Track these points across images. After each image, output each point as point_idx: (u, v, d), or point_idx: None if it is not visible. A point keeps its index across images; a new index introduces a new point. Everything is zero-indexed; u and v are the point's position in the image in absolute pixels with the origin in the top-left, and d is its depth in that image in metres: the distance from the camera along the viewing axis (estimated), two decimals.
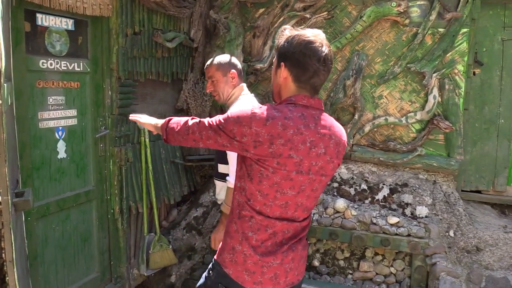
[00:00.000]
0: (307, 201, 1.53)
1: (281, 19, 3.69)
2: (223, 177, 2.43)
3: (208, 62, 2.46)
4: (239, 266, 1.53)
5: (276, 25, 3.71)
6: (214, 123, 1.50)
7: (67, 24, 2.72)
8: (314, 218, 3.36)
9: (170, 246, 3.40)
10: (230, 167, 2.30)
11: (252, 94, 2.46)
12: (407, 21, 3.47)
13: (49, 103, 2.66)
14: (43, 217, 2.69)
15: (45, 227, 2.74)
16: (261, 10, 3.79)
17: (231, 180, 2.24)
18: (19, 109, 2.43)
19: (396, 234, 3.19)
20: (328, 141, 1.49)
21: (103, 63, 2.99)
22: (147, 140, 3.26)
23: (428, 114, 3.49)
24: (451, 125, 3.44)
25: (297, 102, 1.48)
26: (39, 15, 2.52)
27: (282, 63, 1.50)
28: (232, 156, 2.27)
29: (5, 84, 1.78)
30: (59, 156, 2.78)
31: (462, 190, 3.70)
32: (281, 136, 1.40)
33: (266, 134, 1.40)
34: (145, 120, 1.89)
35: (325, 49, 1.46)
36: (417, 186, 3.46)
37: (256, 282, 1.53)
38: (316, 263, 3.45)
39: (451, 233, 3.21)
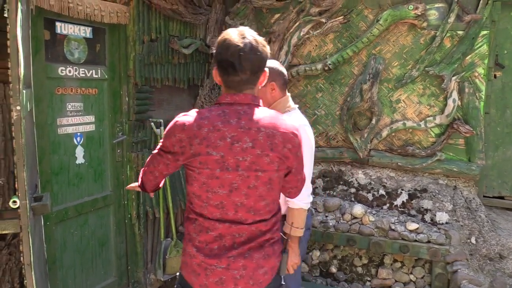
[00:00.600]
0: (249, 201, 1.50)
1: (297, 24, 3.68)
2: None
3: None
4: (188, 267, 1.55)
5: (291, 30, 3.70)
6: (157, 148, 1.57)
7: (86, 32, 2.77)
8: (331, 224, 3.32)
9: None
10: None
11: (297, 106, 2.25)
12: (424, 24, 3.42)
13: (67, 109, 2.71)
14: (62, 222, 2.73)
15: (64, 232, 2.78)
16: (277, 16, 3.79)
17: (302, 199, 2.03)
18: (38, 116, 2.48)
19: (416, 241, 3.12)
20: (256, 134, 1.47)
21: (120, 69, 3.03)
22: None
23: (448, 118, 3.42)
24: (471, 129, 3.37)
25: (220, 101, 1.53)
26: (58, 24, 2.58)
27: (214, 68, 1.56)
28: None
29: (24, 91, 1.82)
30: (77, 162, 2.83)
31: (484, 196, 3.60)
32: (197, 136, 1.45)
33: (186, 138, 1.45)
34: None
35: (240, 43, 1.46)
36: (437, 191, 3.39)
37: (201, 285, 1.52)
38: (333, 269, 3.40)
39: (473, 240, 3.13)
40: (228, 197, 1.49)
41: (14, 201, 1.75)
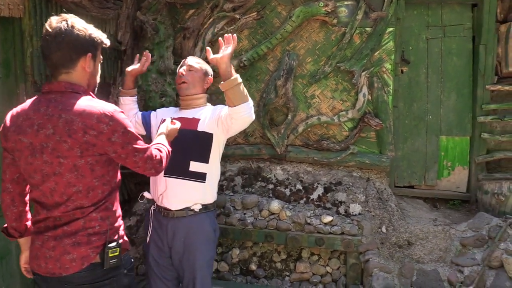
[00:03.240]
0: (59, 186, 1.59)
1: (211, 20, 3.63)
2: (194, 176, 2.38)
3: (194, 57, 2.67)
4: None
5: (206, 26, 3.64)
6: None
7: None
8: (249, 221, 3.31)
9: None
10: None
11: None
12: (335, 21, 3.50)
13: None
14: None
15: None
16: (191, 11, 3.71)
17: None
18: None
19: (330, 233, 3.19)
20: (57, 121, 1.54)
21: (16, 67, 2.80)
22: None
23: (359, 112, 3.53)
24: (381, 122, 3.50)
25: (42, 91, 1.67)
26: None
27: None
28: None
29: None
30: None
31: (395, 186, 3.77)
32: (13, 124, 1.62)
33: (5, 129, 1.65)
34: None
35: (49, 29, 1.61)
36: (351, 184, 3.49)
37: (31, 256, 1.69)
38: (253, 267, 3.39)
39: (384, 229, 3.25)
40: (42, 182, 1.59)
41: None
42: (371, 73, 3.52)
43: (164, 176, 2.39)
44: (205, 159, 2.40)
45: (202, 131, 2.41)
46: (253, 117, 2.34)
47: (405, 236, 3.23)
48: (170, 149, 1.92)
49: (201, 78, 2.56)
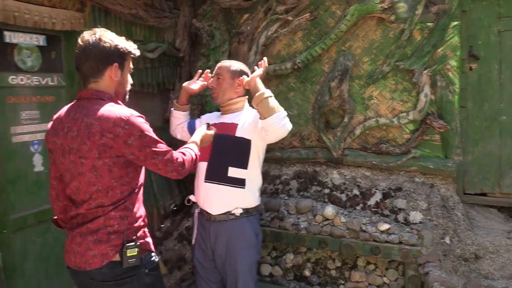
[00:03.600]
0: (82, 185, 1.70)
1: (264, 23, 3.63)
2: (233, 182, 2.39)
3: (223, 61, 2.64)
4: None
5: (259, 29, 3.65)
6: None
7: (38, 40, 2.77)
8: (302, 226, 3.24)
9: (159, 257, 3.35)
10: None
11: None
12: (392, 18, 3.32)
13: (22, 117, 2.70)
14: (21, 230, 2.71)
15: (24, 240, 2.76)
16: (246, 16, 3.74)
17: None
18: None
19: (387, 242, 3.02)
20: (80, 124, 1.68)
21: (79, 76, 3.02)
22: None
23: (421, 114, 3.30)
24: (445, 124, 3.24)
25: (76, 98, 1.84)
26: (6, 33, 2.58)
27: None
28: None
29: None
30: (35, 170, 2.81)
31: (465, 193, 3.45)
32: (52, 127, 1.81)
33: (50, 130, 1.82)
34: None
35: (81, 42, 1.77)
36: (412, 190, 3.27)
37: (64, 250, 1.82)
38: (307, 273, 3.31)
39: (447, 240, 3.00)
40: (71, 180, 1.73)
41: None
42: (433, 71, 3.27)
43: (205, 182, 2.43)
44: (243, 165, 2.39)
45: (240, 137, 2.42)
46: (287, 128, 2.30)
47: (472, 248, 2.95)
48: (197, 153, 1.94)
49: (230, 83, 2.53)
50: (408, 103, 3.40)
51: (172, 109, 2.87)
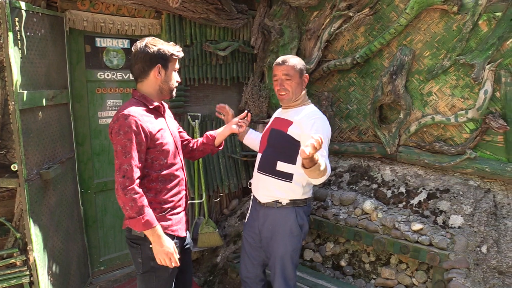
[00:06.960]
0: None
1: (328, 20, 3.75)
2: (281, 175, 2.47)
3: (282, 60, 2.53)
4: None
5: (323, 26, 3.78)
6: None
7: (123, 43, 3.51)
8: (341, 217, 3.34)
9: (217, 230, 3.87)
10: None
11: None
12: (455, 9, 3.10)
13: (107, 105, 3.49)
14: (102, 191, 3.53)
15: (104, 199, 3.57)
16: (315, 13, 3.91)
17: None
18: (80, 110, 3.31)
19: (417, 242, 2.93)
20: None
21: None
22: (197, 136, 3.83)
23: (479, 112, 3.03)
24: (505, 124, 2.92)
25: None
26: (97, 39, 3.37)
27: None
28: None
29: (25, 91, 2.60)
30: None
31: None
32: None
33: None
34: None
35: (132, 49, 2.06)
36: (460, 193, 3.05)
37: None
38: (343, 263, 3.41)
39: (483, 249, 2.76)
40: None
41: (14, 166, 2.54)
42: (498, 66, 2.97)
43: (257, 171, 2.63)
44: (292, 160, 2.46)
45: (290, 136, 2.48)
46: (325, 178, 2.29)
47: (510, 262, 2.66)
48: (142, 206, 1.95)
49: (299, 82, 2.54)
50: (469, 100, 3.14)
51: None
